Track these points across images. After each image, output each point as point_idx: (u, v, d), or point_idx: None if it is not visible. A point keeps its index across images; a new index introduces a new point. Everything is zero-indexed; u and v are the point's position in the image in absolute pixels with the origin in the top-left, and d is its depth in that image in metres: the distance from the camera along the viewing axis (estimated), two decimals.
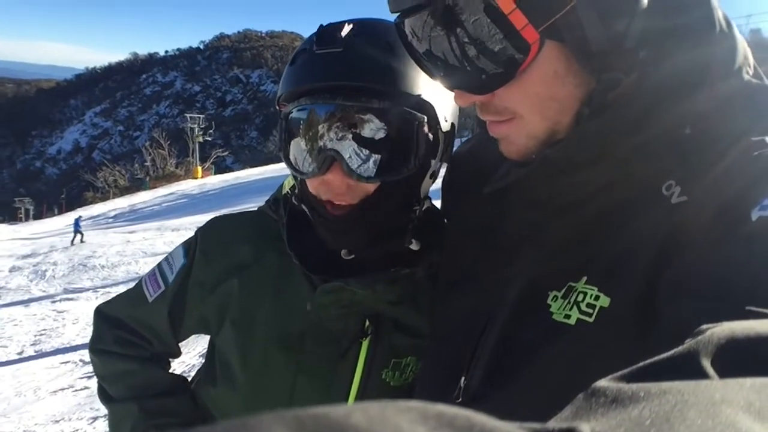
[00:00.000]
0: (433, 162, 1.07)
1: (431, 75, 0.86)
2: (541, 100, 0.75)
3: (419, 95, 1.00)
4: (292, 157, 1.06)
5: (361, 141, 0.99)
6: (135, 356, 1.28)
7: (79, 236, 21.52)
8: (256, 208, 1.29)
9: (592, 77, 0.73)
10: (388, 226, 1.09)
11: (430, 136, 1.03)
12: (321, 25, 1.04)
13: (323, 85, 1.00)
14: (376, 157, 1.00)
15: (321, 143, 1.00)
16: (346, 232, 1.06)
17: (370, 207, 1.04)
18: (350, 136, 0.99)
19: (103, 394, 1.30)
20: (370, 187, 1.03)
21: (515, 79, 0.74)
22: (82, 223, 21.66)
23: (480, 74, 0.76)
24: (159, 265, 1.30)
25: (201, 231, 1.26)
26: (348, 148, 0.99)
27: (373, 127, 0.99)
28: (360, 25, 1.03)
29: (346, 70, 0.98)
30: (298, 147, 1.05)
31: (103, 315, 1.33)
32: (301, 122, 1.03)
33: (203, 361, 1.36)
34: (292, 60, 1.05)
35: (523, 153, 0.82)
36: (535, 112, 0.77)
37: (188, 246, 1.26)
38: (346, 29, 1.01)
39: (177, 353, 1.35)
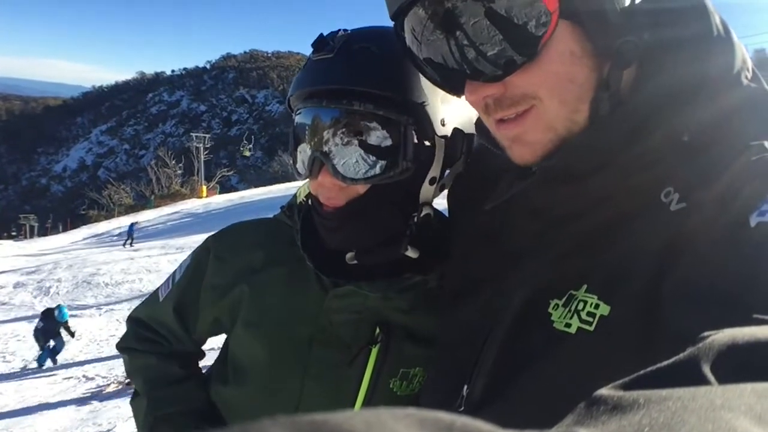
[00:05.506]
0: (432, 168, 1.06)
1: (435, 77, 0.85)
2: (560, 81, 0.73)
3: (408, 98, 1.00)
4: (297, 160, 1.10)
5: (347, 143, 1.01)
6: (153, 352, 1.35)
7: (130, 240, 23.66)
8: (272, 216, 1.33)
9: (606, 61, 0.73)
10: (383, 231, 1.09)
11: (422, 139, 1.03)
12: (321, 34, 1.07)
13: (312, 89, 1.04)
14: (361, 159, 1.01)
15: (310, 146, 1.04)
16: (336, 230, 1.08)
17: (359, 207, 1.06)
18: (337, 139, 1.01)
19: (134, 392, 1.39)
20: (361, 189, 1.04)
21: (533, 61, 0.72)
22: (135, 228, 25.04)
23: (497, 58, 0.74)
24: (173, 272, 1.39)
25: (213, 237, 1.31)
26: (334, 151, 1.01)
27: (358, 130, 1.00)
28: (355, 31, 1.06)
29: (334, 74, 1.01)
30: (297, 149, 1.10)
31: (130, 318, 1.43)
32: (297, 126, 1.08)
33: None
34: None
35: (538, 152, 0.79)
36: (554, 94, 0.74)
37: (195, 252, 1.33)
38: (340, 36, 1.04)
39: (199, 354, 1.41)
